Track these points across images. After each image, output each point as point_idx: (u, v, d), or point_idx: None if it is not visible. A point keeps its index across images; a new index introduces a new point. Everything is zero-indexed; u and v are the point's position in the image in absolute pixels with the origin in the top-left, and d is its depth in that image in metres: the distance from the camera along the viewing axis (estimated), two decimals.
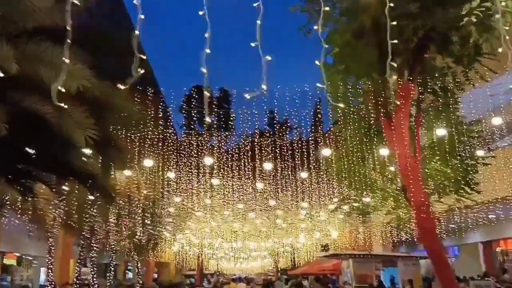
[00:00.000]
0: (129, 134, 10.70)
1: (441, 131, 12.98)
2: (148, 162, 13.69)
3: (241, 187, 21.24)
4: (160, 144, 15.29)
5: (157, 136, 13.50)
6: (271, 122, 23.03)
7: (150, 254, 31.90)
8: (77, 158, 9.08)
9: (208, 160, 15.66)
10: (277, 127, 19.48)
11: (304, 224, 30.30)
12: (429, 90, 13.07)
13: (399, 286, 20.36)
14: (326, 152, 13.84)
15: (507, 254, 29.26)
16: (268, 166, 14.11)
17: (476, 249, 28.85)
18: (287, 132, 19.40)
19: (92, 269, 20.87)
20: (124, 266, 35.44)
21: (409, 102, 12.26)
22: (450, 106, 13.32)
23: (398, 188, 14.21)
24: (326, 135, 15.46)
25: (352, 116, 13.14)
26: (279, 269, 47.94)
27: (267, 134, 19.28)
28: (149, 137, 12.80)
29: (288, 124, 20.84)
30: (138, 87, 12.26)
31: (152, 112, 11.73)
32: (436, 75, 12.89)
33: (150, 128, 12.09)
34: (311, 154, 16.88)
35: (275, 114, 18.72)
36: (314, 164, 17.02)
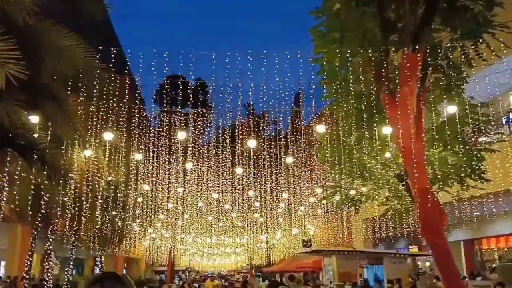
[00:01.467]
0: (75, 86, 8.45)
1: (445, 113, 11.50)
2: (108, 135, 11.36)
3: (217, 175, 19.34)
4: (123, 113, 13.01)
5: (117, 101, 11.20)
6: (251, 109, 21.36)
7: (116, 248, 29.65)
8: (11, 121, 7.02)
9: (181, 136, 13.52)
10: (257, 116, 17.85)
11: (281, 218, 28.69)
12: (435, 65, 11.56)
13: (384, 284, 19.01)
14: (317, 132, 12.12)
15: (489, 253, 28.55)
16: (251, 145, 12.25)
17: (457, 248, 27.96)
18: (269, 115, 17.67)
19: (47, 263, 18.56)
20: (92, 261, 33.02)
21: (416, 75, 10.70)
22: (458, 83, 11.82)
23: (396, 174, 12.61)
24: (316, 116, 13.75)
25: (348, 91, 11.46)
26: (253, 266, 46.36)
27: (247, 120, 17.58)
28: (105, 96, 10.49)
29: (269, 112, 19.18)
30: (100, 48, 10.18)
31: (112, 70, 9.58)
32: (447, 45, 11.36)
33: (108, 87, 9.91)
34: (297, 139, 15.21)
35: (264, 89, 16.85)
36: (300, 149, 15.39)
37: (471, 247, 27.97)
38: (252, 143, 11.97)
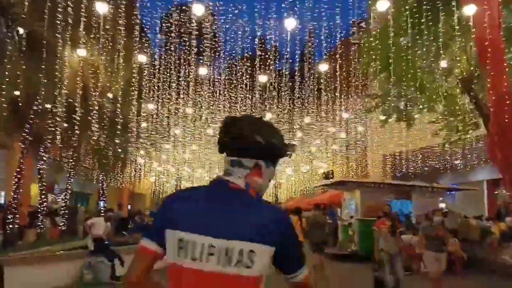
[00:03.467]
0: None
1: None
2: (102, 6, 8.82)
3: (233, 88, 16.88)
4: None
5: None
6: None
7: (120, 179, 28.01)
8: None
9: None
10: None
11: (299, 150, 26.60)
12: None
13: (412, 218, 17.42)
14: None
15: None
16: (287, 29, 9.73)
17: (480, 188, 26.16)
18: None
19: (41, 184, 16.66)
20: (96, 195, 31.54)
21: None
22: None
23: (461, 78, 10.18)
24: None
25: None
26: None
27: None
28: None
29: None
30: None
31: None
32: None
33: None
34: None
35: None
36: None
37: (495, 187, 26.21)
38: (290, 24, 9.41)
